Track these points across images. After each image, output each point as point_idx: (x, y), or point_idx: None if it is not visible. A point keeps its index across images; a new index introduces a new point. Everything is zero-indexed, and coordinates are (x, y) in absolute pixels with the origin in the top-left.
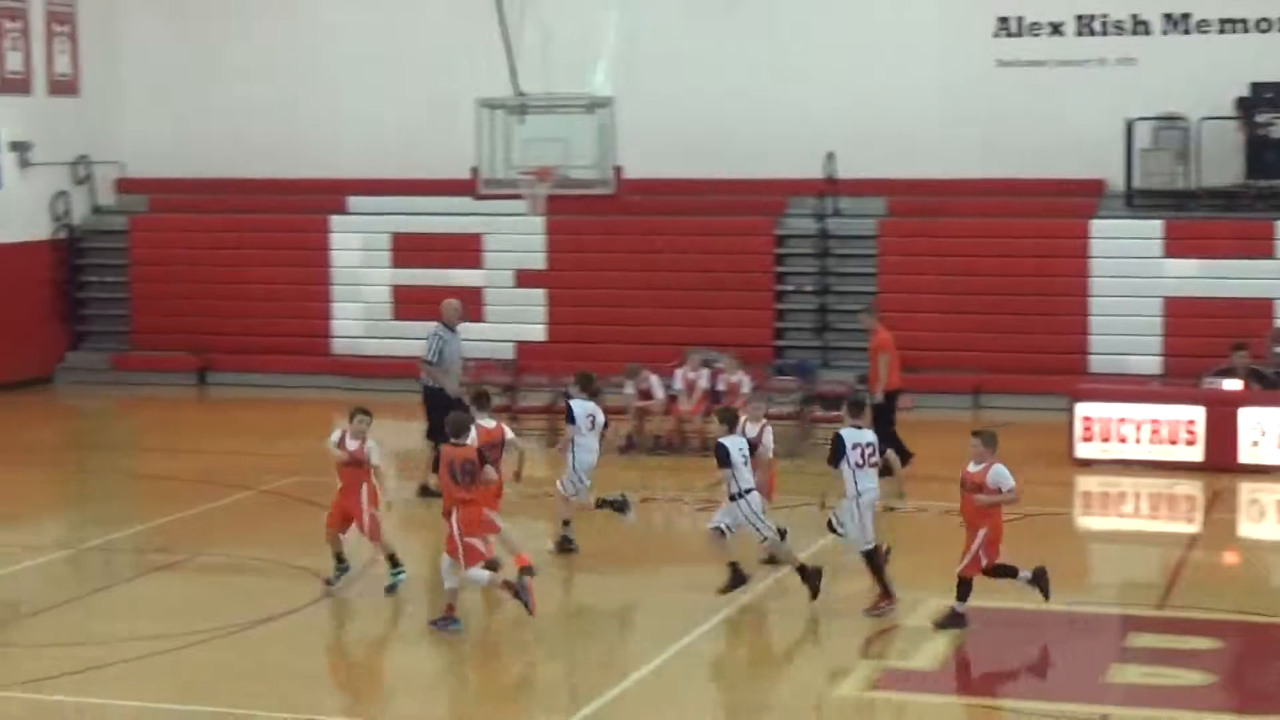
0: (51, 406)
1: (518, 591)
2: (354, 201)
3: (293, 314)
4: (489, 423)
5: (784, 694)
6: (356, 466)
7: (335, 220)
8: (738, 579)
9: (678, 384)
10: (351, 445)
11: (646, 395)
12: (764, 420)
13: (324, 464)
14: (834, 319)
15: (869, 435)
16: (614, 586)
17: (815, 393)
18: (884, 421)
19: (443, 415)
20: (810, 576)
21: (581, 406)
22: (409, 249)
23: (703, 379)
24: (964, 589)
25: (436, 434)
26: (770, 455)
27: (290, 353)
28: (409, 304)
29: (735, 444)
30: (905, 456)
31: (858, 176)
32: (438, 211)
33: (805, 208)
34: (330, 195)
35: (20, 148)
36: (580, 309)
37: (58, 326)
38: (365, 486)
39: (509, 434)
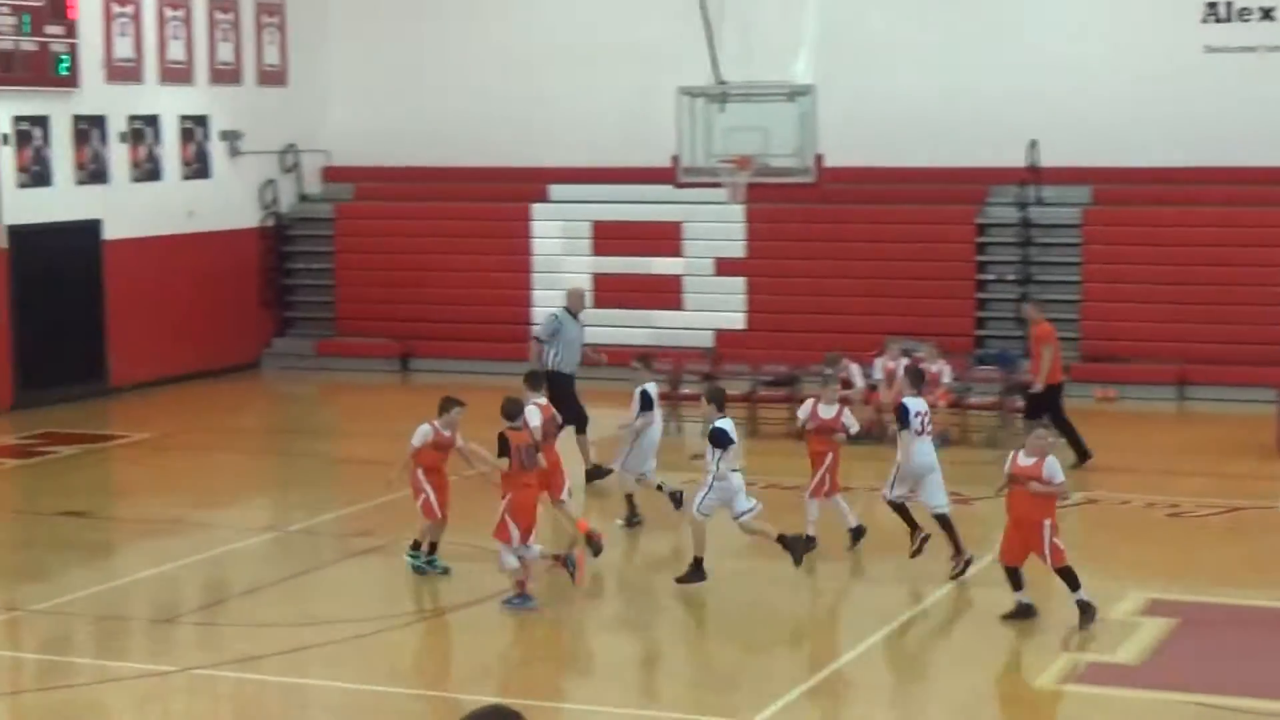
0: (258, 392)
1: (567, 564)
2: (555, 190)
3: (494, 301)
4: (542, 400)
5: (983, 686)
6: (443, 452)
7: (536, 208)
8: (698, 573)
9: (877, 373)
10: (445, 433)
11: (846, 384)
12: (839, 403)
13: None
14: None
15: (925, 405)
16: (813, 577)
17: (1016, 383)
18: (1055, 412)
19: (558, 402)
20: (792, 545)
21: (653, 388)
22: (609, 237)
23: (902, 368)
24: (1070, 577)
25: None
26: (845, 437)
27: (491, 340)
28: (609, 292)
29: (731, 425)
30: (1084, 454)
31: (1061, 164)
32: (638, 200)
33: (1007, 196)
34: (532, 184)
35: (230, 137)
36: (779, 297)
37: (265, 313)
38: (437, 473)
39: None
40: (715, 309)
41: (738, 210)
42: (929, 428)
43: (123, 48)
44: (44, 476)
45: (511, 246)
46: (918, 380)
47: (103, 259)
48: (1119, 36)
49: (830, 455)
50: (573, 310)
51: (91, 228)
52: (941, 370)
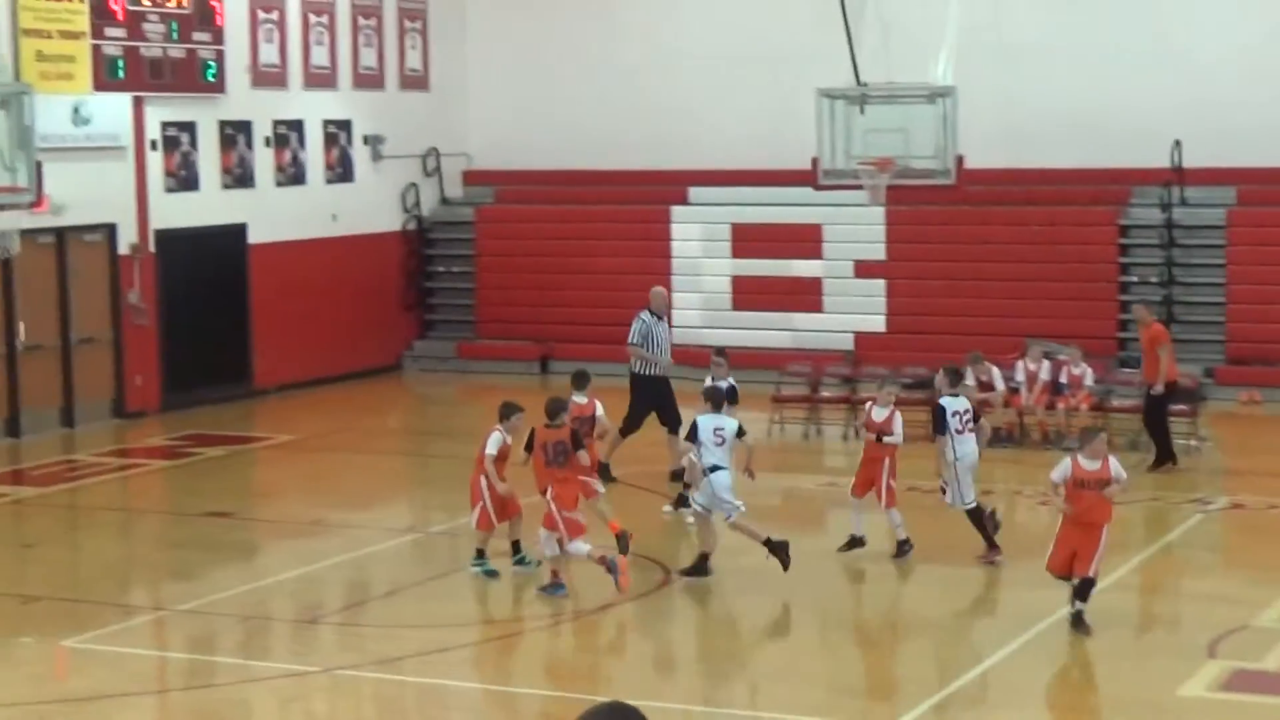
0: (399, 394)
1: (610, 568)
2: (694, 192)
3: (633, 304)
4: (582, 399)
5: (1128, 693)
6: (505, 460)
7: (676, 211)
8: (703, 568)
9: (1019, 375)
10: (508, 440)
11: (987, 386)
12: (893, 405)
13: (662, 453)
14: (1179, 310)
15: (964, 403)
16: (954, 580)
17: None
18: (1159, 413)
19: (649, 399)
20: (778, 550)
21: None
22: (748, 239)
23: (1044, 371)
24: (1090, 589)
25: (635, 420)
26: (898, 441)
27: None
28: (748, 294)
29: (707, 422)
30: (1167, 457)
31: (1205, 165)
32: (777, 202)
33: (1150, 198)
34: (672, 186)
35: (373, 141)
36: (919, 299)
37: (406, 315)
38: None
39: (599, 410)
40: (855, 311)
41: (878, 212)
42: (969, 425)
43: (268, 54)
44: (190, 478)
45: (651, 249)
46: (955, 379)
47: (248, 262)
48: (1264, 37)
49: (886, 460)
50: (657, 312)
51: (237, 232)
52: (1084, 373)
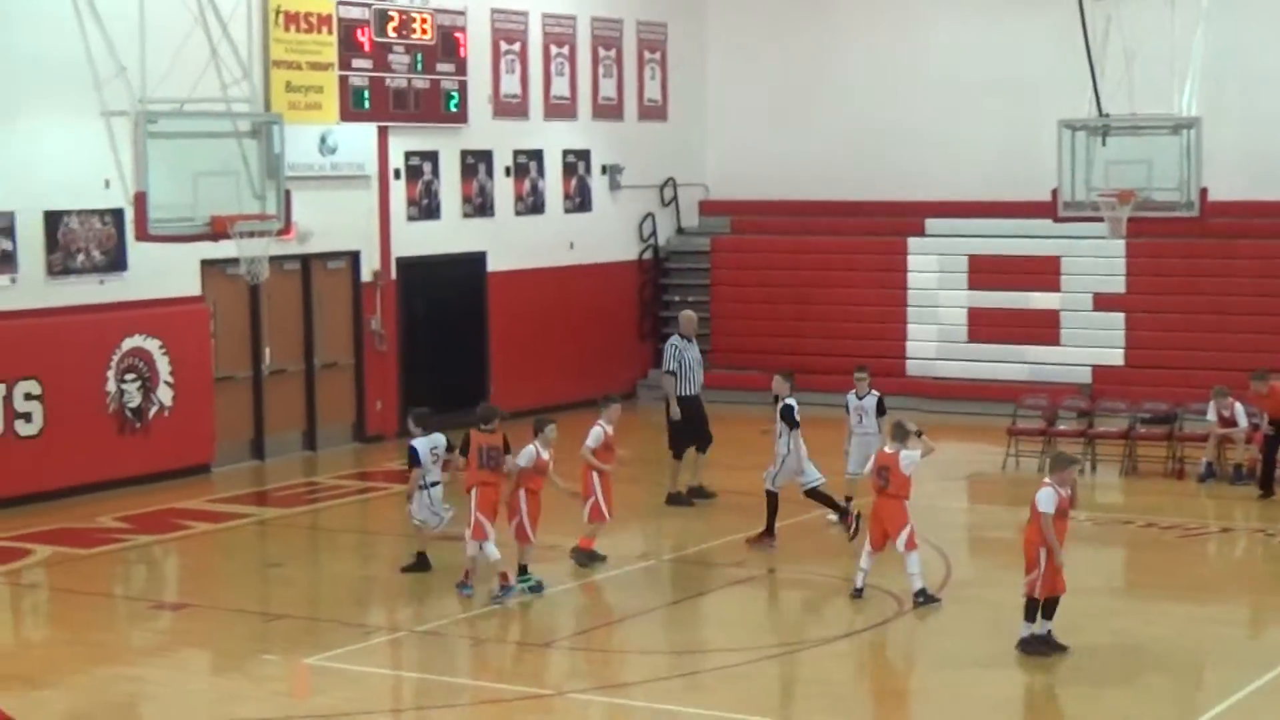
0: (633, 422)
1: (504, 589)
2: (931, 224)
3: (869, 335)
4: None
5: None
6: (543, 475)
7: (913, 242)
8: (423, 563)
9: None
10: (544, 454)
11: (1229, 422)
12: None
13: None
14: None
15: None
16: (1178, 616)
17: None
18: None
19: (687, 423)
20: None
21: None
22: (985, 270)
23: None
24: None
25: (679, 444)
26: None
27: None
28: (984, 326)
29: (425, 444)
30: (1270, 488)
31: None
32: (1015, 234)
33: None
34: (908, 218)
35: (611, 171)
36: (1160, 333)
37: (642, 345)
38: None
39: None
40: (1093, 345)
41: (1118, 245)
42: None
43: (509, 84)
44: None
45: (886, 280)
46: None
47: (486, 290)
48: None
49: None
50: (686, 335)
51: (476, 260)
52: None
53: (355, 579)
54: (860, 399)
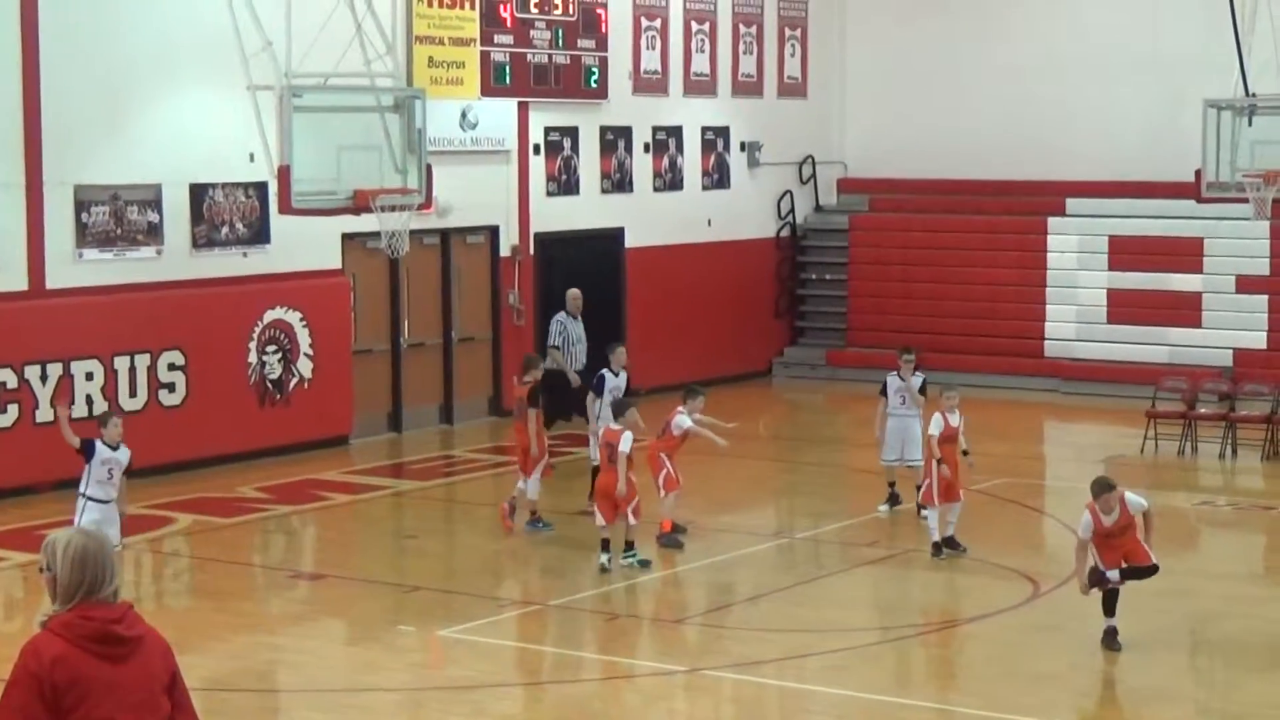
0: (769, 399)
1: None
2: (1072, 203)
3: (1007, 315)
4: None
5: None
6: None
7: (1053, 222)
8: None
9: None
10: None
11: None
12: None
13: (1032, 466)
14: None
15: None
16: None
17: None
18: None
19: (560, 397)
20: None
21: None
22: (1126, 252)
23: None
24: None
25: (555, 414)
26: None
27: (1002, 354)
28: (1123, 307)
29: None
30: None
31: None
32: (1157, 214)
33: None
34: (1049, 197)
35: (750, 148)
36: None
37: (778, 322)
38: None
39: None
40: (1235, 327)
41: (1263, 226)
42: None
43: (649, 60)
44: (560, 477)
45: (1026, 260)
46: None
47: (624, 266)
48: None
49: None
50: (571, 313)
51: (614, 235)
52: None
53: (489, 552)
54: (904, 380)
